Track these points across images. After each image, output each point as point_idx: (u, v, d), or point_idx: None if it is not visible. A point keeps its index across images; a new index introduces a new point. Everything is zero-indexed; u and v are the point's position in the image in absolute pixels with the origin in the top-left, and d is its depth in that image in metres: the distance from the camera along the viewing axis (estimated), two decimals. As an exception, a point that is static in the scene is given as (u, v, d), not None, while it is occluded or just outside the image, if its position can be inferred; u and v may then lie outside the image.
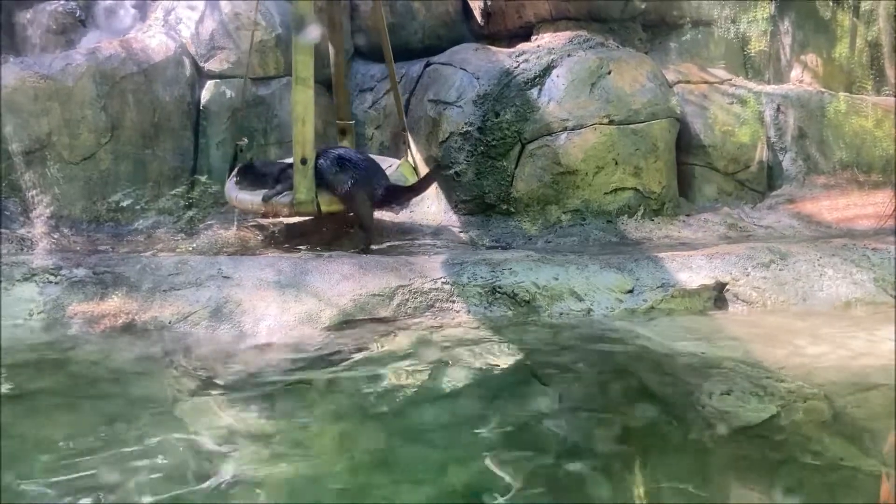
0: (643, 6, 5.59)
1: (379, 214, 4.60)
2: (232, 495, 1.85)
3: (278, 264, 3.50)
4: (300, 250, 4.18)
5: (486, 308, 3.33)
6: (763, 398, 2.38)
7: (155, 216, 4.77)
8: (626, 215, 4.76)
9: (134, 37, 5.09)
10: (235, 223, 4.72)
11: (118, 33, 5.18)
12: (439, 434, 2.24)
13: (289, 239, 4.54)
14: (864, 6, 5.94)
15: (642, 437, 2.20)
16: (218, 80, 5.09)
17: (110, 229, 4.66)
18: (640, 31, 5.70)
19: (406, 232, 4.65)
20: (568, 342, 3.01)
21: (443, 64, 5.23)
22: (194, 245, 4.36)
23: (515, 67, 4.91)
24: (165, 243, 4.40)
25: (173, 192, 4.89)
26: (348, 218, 4.56)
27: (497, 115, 4.79)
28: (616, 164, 4.74)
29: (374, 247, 4.28)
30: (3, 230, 4.37)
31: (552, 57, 4.91)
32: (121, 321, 3.12)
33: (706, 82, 5.41)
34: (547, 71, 4.85)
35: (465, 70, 5.04)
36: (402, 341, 2.99)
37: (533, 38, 5.58)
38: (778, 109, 5.42)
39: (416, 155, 4.72)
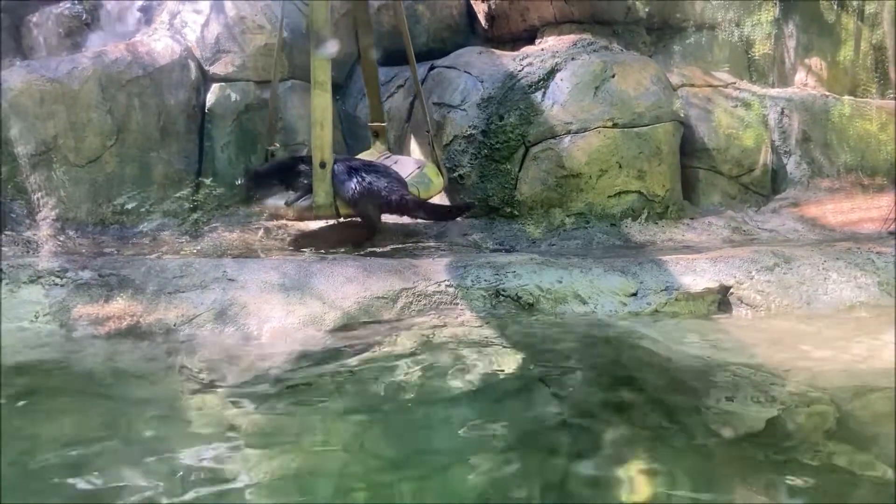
0: (647, 9, 5.59)
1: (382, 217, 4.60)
2: (236, 496, 1.85)
3: (283, 267, 3.51)
4: (304, 252, 4.19)
5: (489, 311, 3.34)
6: (767, 402, 2.38)
7: (160, 219, 4.79)
8: (629, 218, 4.76)
9: (139, 40, 5.11)
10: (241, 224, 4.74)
11: (124, 37, 5.20)
12: (443, 436, 2.24)
13: (294, 241, 4.56)
14: (869, 9, 5.93)
15: (646, 440, 2.20)
16: (223, 84, 5.11)
17: (115, 232, 4.68)
18: (644, 34, 5.70)
19: (410, 234, 4.65)
20: (571, 345, 3.01)
21: (447, 67, 5.24)
22: (199, 247, 4.37)
23: (519, 71, 4.92)
24: (170, 246, 4.41)
25: (178, 194, 4.91)
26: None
27: (501, 118, 4.80)
28: (620, 167, 4.74)
29: (377, 249, 4.29)
30: (9, 232, 4.39)
31: (556, 60, 4.91)
32: (126, 323, 3.13)
33: (710, 86, 5.42)
34: (551, 74, 4.86)
35: (469, 73, 5.06)
36: (405, 344, 2.99)
37: (537, 41, 5.59)
38: (782, 113, 5.42)
39: (440, 156, 4.69)
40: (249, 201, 4.58)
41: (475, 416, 2.38)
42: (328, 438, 2.24)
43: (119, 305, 3.21)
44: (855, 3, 5.91)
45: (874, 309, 3.31)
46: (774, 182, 5.38)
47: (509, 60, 5.06)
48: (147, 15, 5.33)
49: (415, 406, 2.42)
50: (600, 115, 4.74)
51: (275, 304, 3.23)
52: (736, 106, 5.35)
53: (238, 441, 2.15)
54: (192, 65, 5.05)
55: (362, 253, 4.24)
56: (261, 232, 4.69)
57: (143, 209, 4.81)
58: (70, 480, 1.91)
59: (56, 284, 3.29)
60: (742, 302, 3.40)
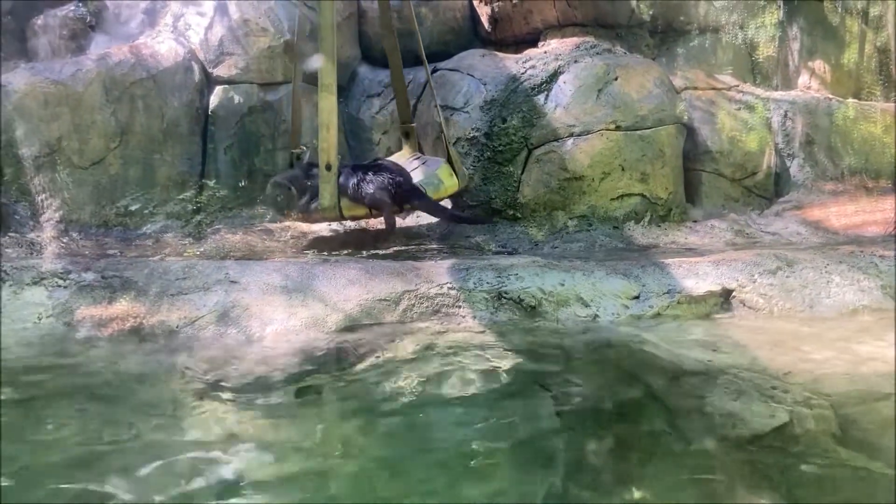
0: (650, 12, 5.59)
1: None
2: (237, 499, 1.85)
3: (285, 269, 3.51)
4: (307, 254, 4.20)
5: (491, 313, 3.33)
6: (770, 405, 2.37)
7: (163, 220, 4.80)
8: (632, 221, 4.76)
9: (143, 42, 5.13)
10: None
11: (128, 39, 5.22)
12: (445, 439, 2.24)
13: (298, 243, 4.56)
14: (873, 12, 5.93)
15: (649, 443, 2.19)
16: (226, 86, 5.12)
17: (119, 233, 4.69)
18: (647, 37, 5.70)
19: (412, 236, 4.66)
20: (574, 348, 3.00)
21: (450, 70, 5.25)
22: (202, 249, 4.38)
23: (522, 73, 4.92)
24: (173, 248, 4.42)
25: (181, 196, 4.92)
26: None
27: (504, 120, 4.80)
28: (623, 170, 4.74)
29: (380, 252, 4.30)
30: (13, 234, 4.40)
31: (559, 63, 4.92)
32: (129, 325, 3.14)
33: (713, 88, 5.41)
34: (554, 77, 4.86)
35: (472, 76, 5.06)
36: (407, 346, 2.99)
37: (540, 44, 5.59)
38: (785, 116, 5.42)
39: (455, 158, 4.67)
40: (282, 211, 4.61)
41: (475, 418, 2.38)
42: (329, 442, 2.24)
43: (122, 307, 3.21)
44: (859, 6, 5.91)
45: (877, 312, 3.30)
46: (777, 185, 5.38)
47: (512, 63, 5.06)
48: (151, 17, 5.34)
49: (416, 410, 2.42)
50: (603, 117, 4.74)
51: (277, 307, 3.23)
52: (739, 109, 5.35)
53: (239, 444, 2.15)
54: (196, 67, 5.07)
55: (365, 255, 4.24)
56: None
57: (146, 211, 4.82)
58: (72, 480, 1.92)
59: (59, 286, 3.30)
60: (744, 305, 3.39)
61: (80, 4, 5.27)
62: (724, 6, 5.77)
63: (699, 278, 3.48)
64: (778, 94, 5.58)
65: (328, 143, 4.15)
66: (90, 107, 4.70)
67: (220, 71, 5.11)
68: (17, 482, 1.93)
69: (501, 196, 4.79)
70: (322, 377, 2.70)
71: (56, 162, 4.63)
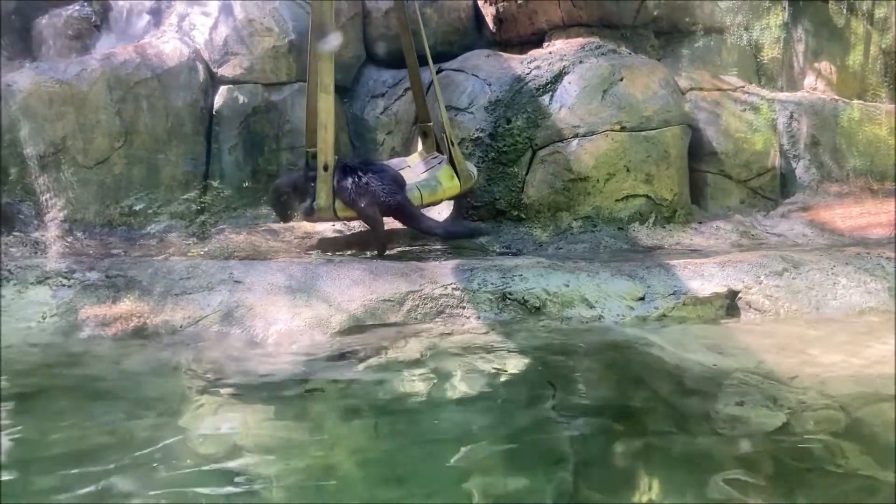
0: (655, 13, 5.58)
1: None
2: (240, 499, 1.85)
3: (289, 269, 3.51)
4: (311, 255, 4.20)
5: (496, 314, 3.33)
6: (776, 408, 2.36)
7: (167, 220, 4.80)
8: (637, 222, 4.74)
9: (148, 42, 5.13)
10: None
11: (133, 39, 5.23)
12: (449, 440, 2.23)
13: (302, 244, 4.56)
14: (879, 14, 5.91)
15: (655, 446, 2.18)
16: (231, 86, 5.12)
17: (123, 233, 4.69)
18: (652, 37, 5.68)
19: (416, 237, 4.64)
20: (578, 349, 2.99)
21: (454, 70, 5.23)
22: (206, 249, 4.38)
23: (527, 74, 4.91)
24: (177, 247, 4.42)
25: (186, 196, 4.92)
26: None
27: (508, 121, 4.79)
28: (628, 170, 4.73)
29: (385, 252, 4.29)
30: (17, 233, 4.40)
31: (564, 63, 4.90)
32: (133, 324, 3.14)
33: (719, 89, 5.39)
34: (559, 77, 4.85)
35: (476, 76, 5.05)
36: (412, 347, 2.99)
37: (545, 44, 5.58)
38: (791, 117, 5.40)
39: (458, 159, 4.55)
40: (284, 213, 4.57)
41: (479, 419, 2.37)
42: (333, 443, 2.23)
43: (126, 307, 3.21)
44: (864, 7, 5.89)
45: (884, 314, 3.28)
46: (783, 186, 5.36)
47: (517, 63, 5.05)
48: (156, 17, 5.35)
49: (420, 410, 2.41)
50: (608, 118, 4.73)
51: (281, 307, 3.23)
52: (745, 110, 5.33)
53: (242, 445, 2.14)
54: (201, 67, 5.07)
55: (369, 255, 4.24)
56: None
57: (150, 211, 4.82)
58: (74, 481, 1.91)
59: (64, 285, 3.30)
60: (750, 307, 3.38)
61: (85, 4, 5.28)
62: (729, 7, 5.76)
63: (705, 280, 3.46)
64: (783, 95, 5.56)
65: (325, 144, 4.14)
66: (95, 106, 4.71)
67: (225, 71, 5.11)
68: (19, 481, 1.93)
69: (506, 197, 4.78)
70: (325, 379, 2.69)
71: (60, 161, 4.64)
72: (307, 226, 4.86)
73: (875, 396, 2.46)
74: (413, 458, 2.10)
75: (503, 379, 2.67)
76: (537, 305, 3.35)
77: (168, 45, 5.07)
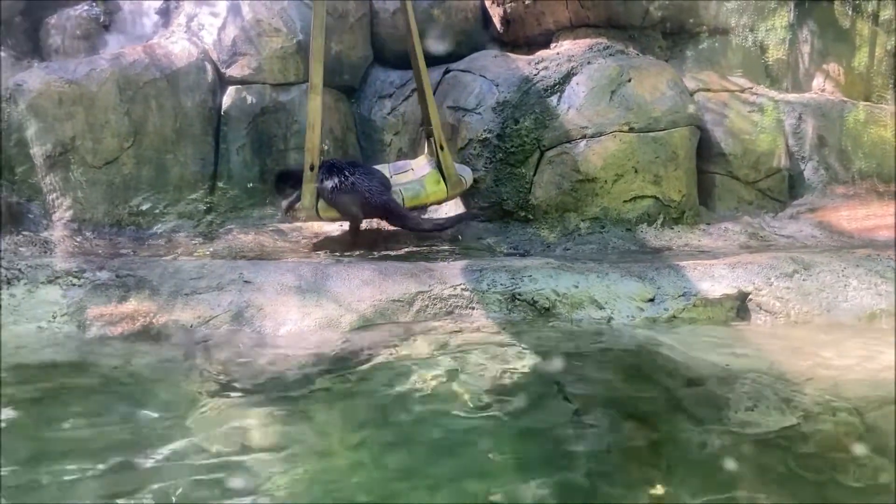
0: (660, 14, 5.57)
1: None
2: (249, 499, 1.85)
3: (299, 269, 3.51)
4: (318, 255, 4.20)
5: (505, 315, 3.33)
6: (788, 411, 2.35)
7: (175, 220, 4.81)
8: (645, 223, 4.74)
9: (157, 42, 5.14)
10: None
11: (141, 39, 5.24)
12: (458, 440, 2.23)
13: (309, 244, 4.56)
14: (885, 15, 5.89)
15: (665, 448, 2.18)
16: (239, 86, 5.12)
17: (131, 233, 4.70)
18: (660, 38, 5.68)
19: (424, 238, 4.65)
20: (588, 351, 2.99)
21: (462, 71, 5.23)
22: (213, 249, 4.38)
23: (535, 75, 4.91)
24: (185, 247, 4.43)
25: (194, 196, 4.93)
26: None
27: (516, 122, 4.79)
28: (636, 172, 4.72)
29: (392, 253, 4.29)
30: (26, 233, 4.41)
31: (572, 64, 4.90)
32: (143, 324, 3.14)
33: (726, 90, 5.39)
34: (566, 78, 4.85)
35: (484, 77, 5.05)
36: (421, 347, 2.99)
37: (552, 45, 5.58)
38: (798, 118, 5.39)
39: (447, 164, 4.56)
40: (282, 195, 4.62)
41: (489, 420, 2.36)
42: (342, 443, 2.23)
43: (136, 306, 3.22)
44: (870, 8, 5.88)
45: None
46: (791, 187, 5.34)
47: (525, 64, 5.05)
48: (164, 17, 5.36)
49: (429, 410, 2.41)
50: (616, 119, 4.72)
51: (291, 307, 3.23)
52: (752, 111, 5.32)
53: (253, 444, 2.14)
54: (209, 67, 5.07)
55: (376, 255, 4.24)
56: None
57: (158, 210, 4.83)
58: (78, 482, 1.91)
59: (74, 285, 3.30)
60: (761, 308, 3.37)
61: (94, 4, 5.29)
62: (736, 8, 5.75)
63: (715, 281, 3.46)
64: (790, 97, 5.55)
65: (312, 144, 4.18)
66: (104, 106, 4.72)
67: (233, 71, 5.12)
68: (22, 481, 1.93)
69: (513, 197, 4.78)
70: (335, 378, 2.69)
71: (70, 161, 4.65)
72: (314, 226, 4.86)
73: (889, 399, 2.45)
74: (422, 456, 2.10)
75: (512, 378, 2.67)
76: (547, 306, 3.35)
77: (177, 46, 5.08)
